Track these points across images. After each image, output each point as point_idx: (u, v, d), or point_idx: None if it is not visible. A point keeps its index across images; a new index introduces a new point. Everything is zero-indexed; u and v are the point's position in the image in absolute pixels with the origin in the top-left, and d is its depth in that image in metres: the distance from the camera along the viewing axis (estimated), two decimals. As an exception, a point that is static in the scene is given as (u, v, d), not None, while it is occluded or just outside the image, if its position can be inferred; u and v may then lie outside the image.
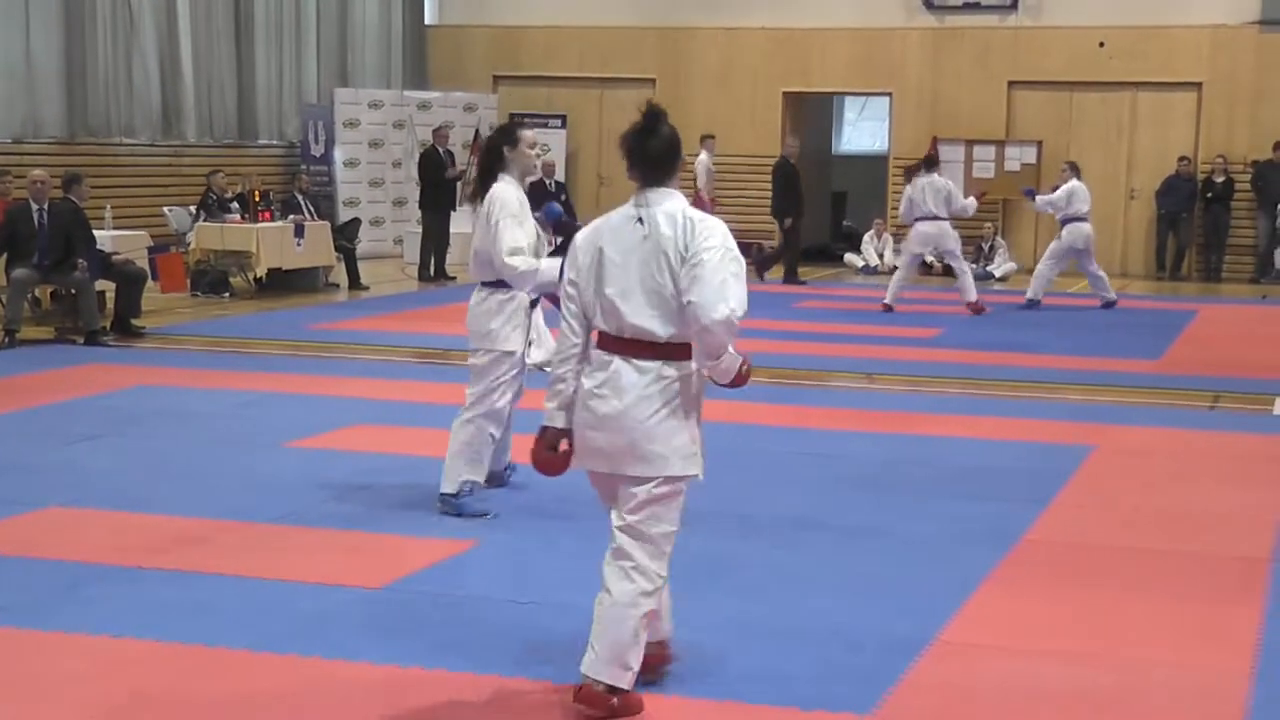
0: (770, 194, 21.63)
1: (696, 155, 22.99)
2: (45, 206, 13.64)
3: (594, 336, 5.13)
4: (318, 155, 23.20)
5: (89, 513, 7.59)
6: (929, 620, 6.08)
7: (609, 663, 5.00)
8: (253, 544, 7.08)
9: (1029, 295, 18.04)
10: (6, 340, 13.15)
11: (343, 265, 18.81)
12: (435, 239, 19.89)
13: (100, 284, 14.12)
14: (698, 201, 23.46)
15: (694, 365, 5.08)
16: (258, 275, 17.65)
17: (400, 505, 7.89)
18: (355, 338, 14.30)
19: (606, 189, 25.15)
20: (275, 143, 23.17)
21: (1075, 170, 18.35)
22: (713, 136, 22.93)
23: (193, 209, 18.63)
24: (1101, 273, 18.36)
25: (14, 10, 18.49)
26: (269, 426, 9.87)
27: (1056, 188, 18.33)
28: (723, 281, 4.88)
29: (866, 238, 23.91)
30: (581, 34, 24.93)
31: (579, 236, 5.13)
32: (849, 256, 24.21)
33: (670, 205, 5.04)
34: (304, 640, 5.69)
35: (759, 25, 24.24)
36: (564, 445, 5.17)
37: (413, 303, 17.53)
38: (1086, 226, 18.05)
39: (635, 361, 5.01)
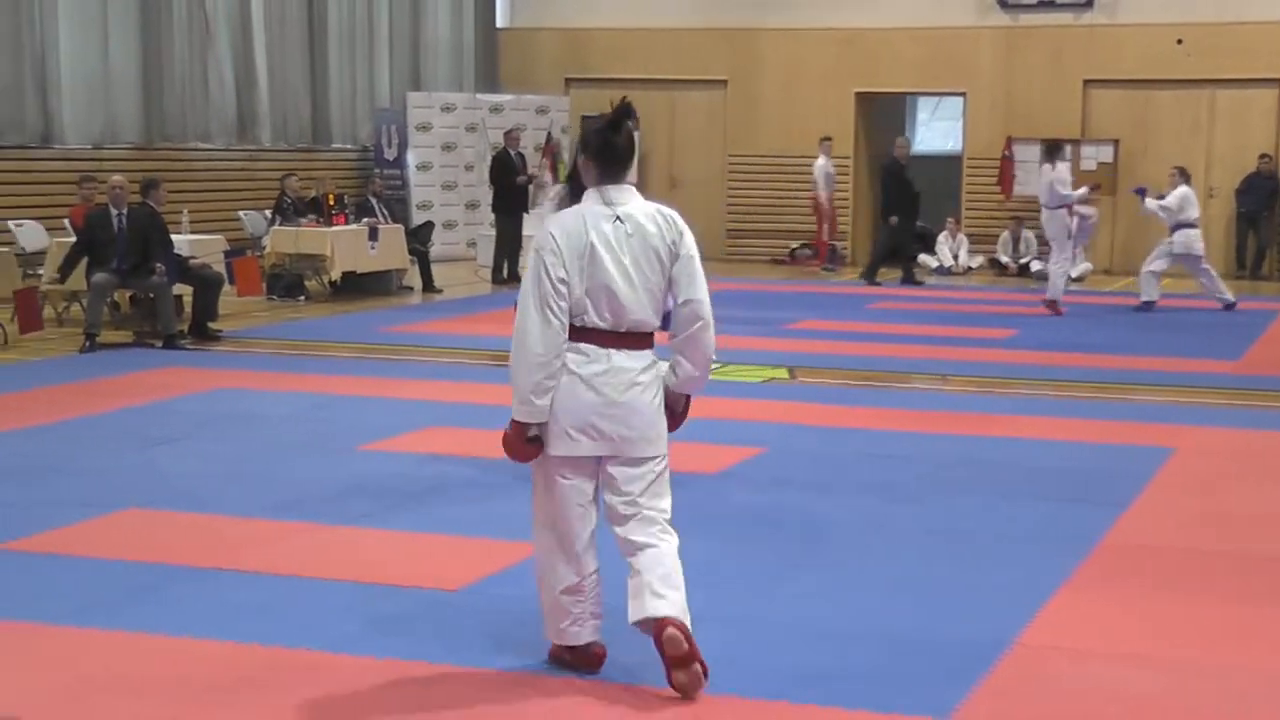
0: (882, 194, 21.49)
1: (815, 158, 22.90)
2: (124, 211, 13.75)
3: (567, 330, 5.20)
4: (391, 159, 23.31)
5: (167, 514, 7.65)
6: (1006, 623, 6.01)
7: (682, 607, 5.22)
8: (328, 546, 7.10)
9: (1143, 298, 17.77)
10: (87, 344, 13.28)
11: (416, 268, 18.90)
12: (508, 242, 19.92)
13: (177, 288, 14.23)
14: (817, 207, 23.33)
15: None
16: (332, 278, 17.76)
17: (475, 508, 7.90)
18: (429, 340, 14.35)
19: (678, 191, 25.13)
20: (349, 147, 23.31)
21: (1185, 176, 18.11)
22: (830, 139, 22.77)
23: (268, 213, 18.76)
24: (1215, 274, 18.16)
25: (93, 20, 18.70)
26: (343, 429, 9.92)
27: (1162, 195, 18.05)
28: (703, 281, 5.28)
29: (940, 238, 23.76)
30: (651, 36, 24.91)
31: (559, 236, 5.14)
32: (922, 257, 24.05)
33: (639, 203, 5.26)
34: (380, 642, 5.70)
35: (829, 25, 24.15)
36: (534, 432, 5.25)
37: (485, 305, 17.57)
38: (1196, 232, 17.83)
39: (631, 352, 5.22)
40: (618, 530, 5.33)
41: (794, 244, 24.46)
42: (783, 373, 12.77)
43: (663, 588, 5.20)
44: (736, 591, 6.45)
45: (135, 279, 13.83)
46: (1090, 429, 10.32)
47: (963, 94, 24.09)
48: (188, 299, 14.64)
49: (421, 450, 9.30)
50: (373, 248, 17.90)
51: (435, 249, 20.64)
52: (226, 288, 15.23)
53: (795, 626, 5.97)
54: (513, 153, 20.05)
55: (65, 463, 8.84)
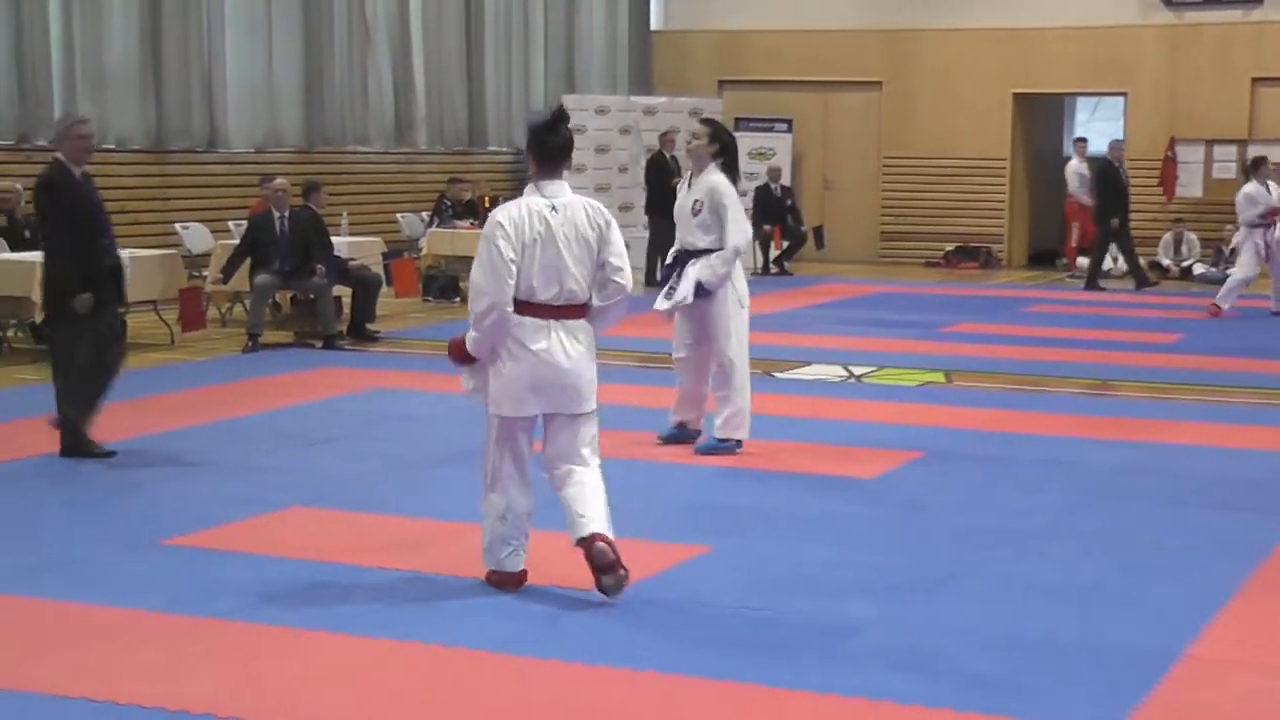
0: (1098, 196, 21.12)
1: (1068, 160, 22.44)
2: (286, 214, 13.98)
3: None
4: (545, 162, 23.42)
5: (328, 513, 7.75)
6: (1176, 634, 5.88)
7: (608, 521, 6.23)
8: (487, 546, 7.14)
9: None
10: (249, 344, 13.51)
11: (570, 270, 18.94)
12: (662, 244, 19.89)
13: (336, 289, 14.43)
14: (1070, 207, 22.83)
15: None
16: (487, 281, 17.86)
17: (630, 510, 7.87)
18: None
19: (831, 193, 25.02)
20: (504, 149, 23.49)
21: None
22: (1084, 139, 22.29)
23: (425, 215, 18.96)
24: None
25: (257, 29, 19.08)
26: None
27: None
28: (625, 258, 6.27)
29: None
30: (806, 37, 24.79)
31: (507, 224, 6.07)
32: (1081, 260, 23.67)
33: (570, 195, 6.22)
34: (539, 643, 5.72)
35: (988, 25, 23.87)
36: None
37: (637, 307, 17.51)
38: None
39: (569, 322, 6.20)
40: (554, 471, 6.34)
41: (948, 246, 24.21)
42: (939, 377, 12.63)
43: (588, 509, 6.19)
44: (898, 597, 6.38)
45: (296, 280, 14.04)
46: (1260, 436, 10.07)
47: (1123, 94, 23.67)
48: (346, 300, 14.84)
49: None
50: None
51: (589, 251, 20.69)
52: (384, 289, 15.41)
53: (960, 633, 5.89)
54: (668, 155, 20.06)
55: (229, 461, 9.00)
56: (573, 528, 6.22)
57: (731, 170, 9.11)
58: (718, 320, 9.08)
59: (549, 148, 6.22)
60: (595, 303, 6.28)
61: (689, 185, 9.16)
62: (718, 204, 8.94)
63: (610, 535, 6.18)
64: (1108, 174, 20.73)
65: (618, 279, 6.25)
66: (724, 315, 9.08)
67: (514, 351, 6.15)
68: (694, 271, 8.98)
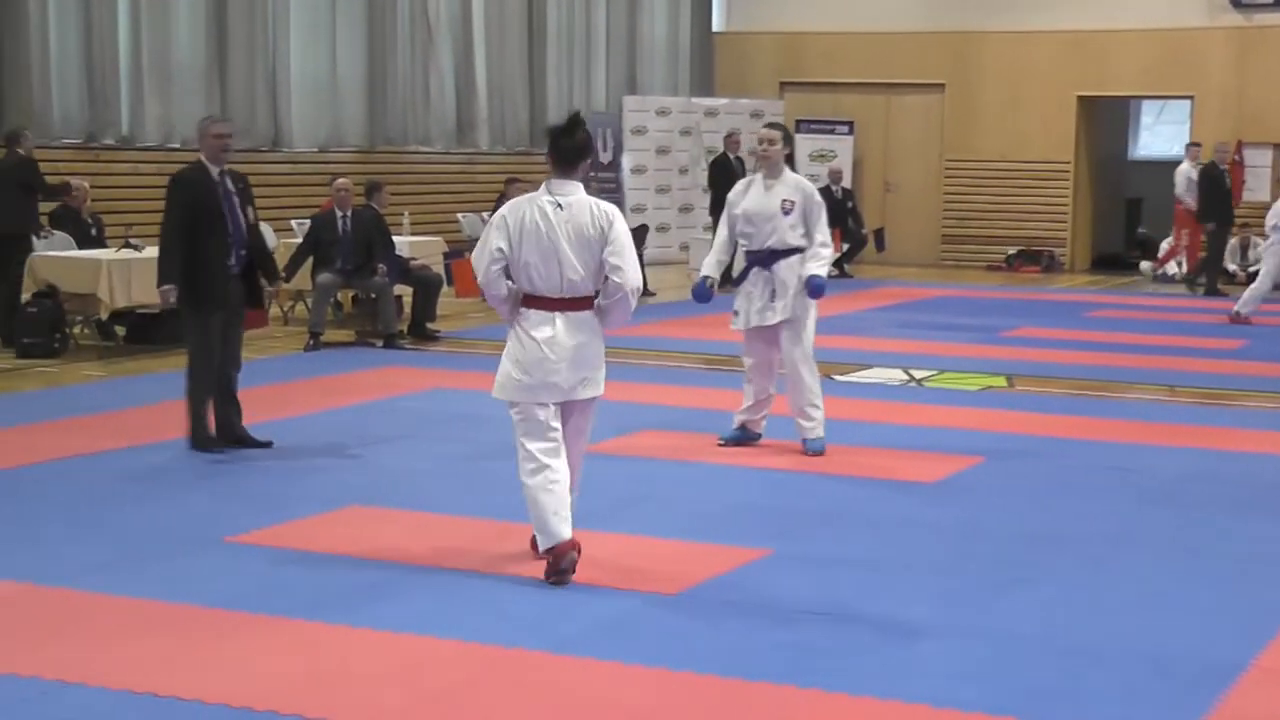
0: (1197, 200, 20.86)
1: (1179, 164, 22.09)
2: (348, 213, 14.04)
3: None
4: (606, 162, 23.44)
5: (387, 512, 7.77)
6: (1244, 644, 5.81)
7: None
8: (548, 547, 7.14)
9: None
10: (311, 343, 13.58)
11: (630, 271, 18.92)
12: (723, 246, 19.88)
13: (398, 288, 14.48)
14: (1178, 211, 22.38)
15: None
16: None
17: (692, 512, 7.90)
18: (642, 343, 14.38)
19: (893, 196, 24.92)
20: (565, 150, 23.47)
21: None
22: (1198, 144, 21.95)
23: (486, 215, 18.98)
24: None
25: (322, 30, 19.18)
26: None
27: None
28: (635, 260, 6.57)
29: (1163, 245, 23.17)
30: (868, 39, 24.71)
31: (508, 215, 6.54)
32: (1144, 265, 23.51)
33: (580, 195, 6.55)
34: (600, 644, 5.72)
35: (1053, 28, 23.71)
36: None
37: (698, 309, 17.48)
38: None
39: (571, 314, 6.56)
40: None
41: (1010, 250, 24.07)
42: (1001, 381, 12.55)
43: (567, 512, 6.52)
44: (962, 603, 6.34)
45: (358, 279, 14.09)
46: (1326, 444, 9.97)
47: (1190, 97, 23.47)
48: (407, 299, 14.88)
49: (639, 453, 9.32)
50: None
51: (649, 252, 20.70)
52: (445, 289, 15.45)
53: (1023, 640, 5.85)
54: (732, 157, 20.03)
55: (290, 459, 9.04)
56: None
57: (791, 169, 9.33)
58: (806, 325, 9.18)
59: (561, 150, 6.59)
60: (600, 301, 6.61)
61: (765, 187, 9.17)
62: (813, 204, 9.12)
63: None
64: (1212, 177, 20.49)
65: (615, 277, 6.52)
66: (809, 320, 9.18)
67: (522, 340, 6.58)
68: (801, 273, 9.05)
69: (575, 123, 6.66)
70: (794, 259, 9.10)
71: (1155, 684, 5.42)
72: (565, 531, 6.48)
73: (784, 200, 9.09)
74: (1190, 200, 21.46)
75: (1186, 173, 21.76)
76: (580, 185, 6.62)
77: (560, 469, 6.56)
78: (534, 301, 6.57)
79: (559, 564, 6.46)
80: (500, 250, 6.54)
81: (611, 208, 6.64)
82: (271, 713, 4.99)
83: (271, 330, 14.40)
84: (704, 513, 7.86)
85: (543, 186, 6.62)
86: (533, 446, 6.56)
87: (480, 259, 6.62)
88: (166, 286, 9.04)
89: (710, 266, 9.39)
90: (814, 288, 9.04)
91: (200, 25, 17.60)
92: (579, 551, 6.49)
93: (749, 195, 9.25)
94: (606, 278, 6.55)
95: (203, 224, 8.99)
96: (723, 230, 9.45)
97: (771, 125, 9.50)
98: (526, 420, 6.60)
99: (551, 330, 6.54)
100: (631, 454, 9.29)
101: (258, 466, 8.84)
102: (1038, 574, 6.83)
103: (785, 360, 9.26)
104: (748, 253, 9.25)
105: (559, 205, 6.52)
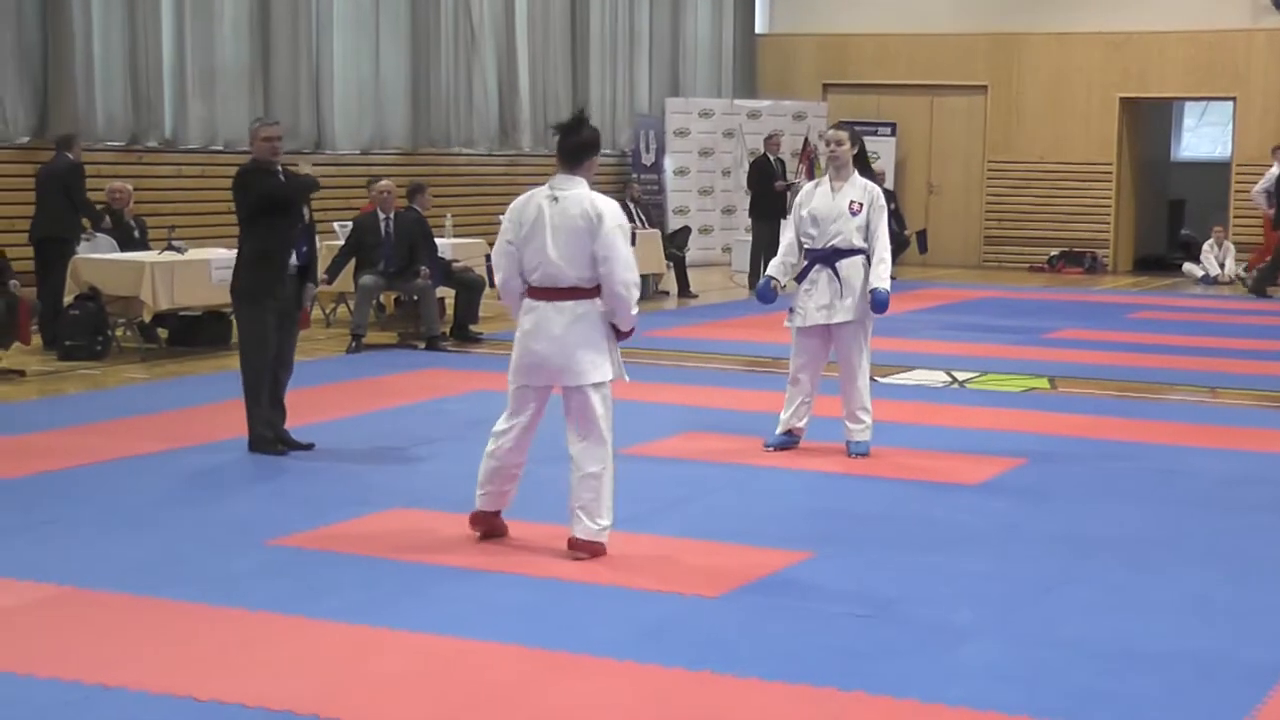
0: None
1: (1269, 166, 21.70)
2: (390, 215, 14.04)
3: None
4: (648, 164, 23.44)
5: (431, 514, 7.74)
6: (1289, 649, 5.75)
7: (595, 516, 6.94)
8: (589, 549, 7.10)
9: None
10: (353, 345, 13.58)
11: (672, 273, 18.93)
12: (765, 247, 19.80)
13: (440, 290, 14.47)
14: (1266, 217, 21.96)
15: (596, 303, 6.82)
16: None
17: (735, 514, 7.86)
18: (685, 345, 14.36)
19: (935, 197, 24.81)
20: (608, 152, 23.44)
21: None
22: None
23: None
24: None
25: (365, 32, 19.21)
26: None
27: None
28: (625, 256, 6.72)
29: (1206, 246, 23.00)
30: (911, 41, 24.61)
31: (511, 211, 6.88)
32: (1187, 266, 23.34)
33: (578, 191, 6.77)
34: (643, 647, 5.68)
35: (1093, 30, 23.57)
36: None
37: (741, 310, 17.52)
38: None
39: (558, 303, 6.78)
40: (570, 449, 6.94)
41: (1053, 251, 23.93)
42: (1043, 383, 12.46)
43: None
44: (1006, 606, 6.29)
45: (401, 281, 14.09)
46: (1373, 447, 9.85)
47: (1233, 98, 23.29)
48: (450, 301, 14.88)
49: (681, 456, 9.28)
50: (630, 252, 17.94)
51: (691, 254, 20.68)
52: (488, 291, 15.43)
53: (1066, 643, 5.79)
54: (772, 158, 19.96)
55: (332, 461, 9.03)
56: (571, 516, 6.91)
57: (865, 170, 9.27)
58: (867, 329, 9.18)
59: (564, 146, 6.86)
60: (606, 288, 6.81)
61: (833, 189, 9.10)
62: (876, 208, 9.09)
63: (585, 537, 6.83)
64: None
65: (601, 268, 6.72)
66: (870, 324, 9.19)
67: (519, 328, 6.96)
68: (867, 284, 9.01)
69: (580, 120, 6.90)
70: (858, 259, 9.04)
71: (1199, 686, 5.36)
72: (478, 503, 7.08)
73: (852, 202, 9.04)
74: (1264, 203, 21.01)
75: (1272, 176, 21.10)
76: (583, 182, 6.84)
77: (509, 445, 7.00)
78: (529, 290, 6.89)
79: (471, 524, 7.13)
80: (510, 244, 6.88)
81: (609, 205, 6.83)
82: (313, 716, 4.97)
83: (313, 332, 14.41)
84: (746, 515, 7.81)
85: (549, 183, 6.88)
86: (501, 417, 7.06)
87: (495, 255, 7.02)
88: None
89: (776, 269, 9.33)
90: (878, 301, 8.98)
91: (244, 27, 17.65)
92: (479, 531, 7.08)
93: (816, 197, 9.17)
94: (597, 269, 6.76)
95: (272, 215, 9.02)
96: (788, 232, 9.35)
97: (839, 125, 9.45)
98: (511, 400, 7.05)
99: (536, 318, 6.83)
100: (674, 456, 9.26)
101: (299, 469, 8.83)
102: (1081, 576, 6.77)
103: (842, 363, 9.19)
104: (809, 251, 9.17)
105: (555, 198, 6.77)
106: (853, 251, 9.06)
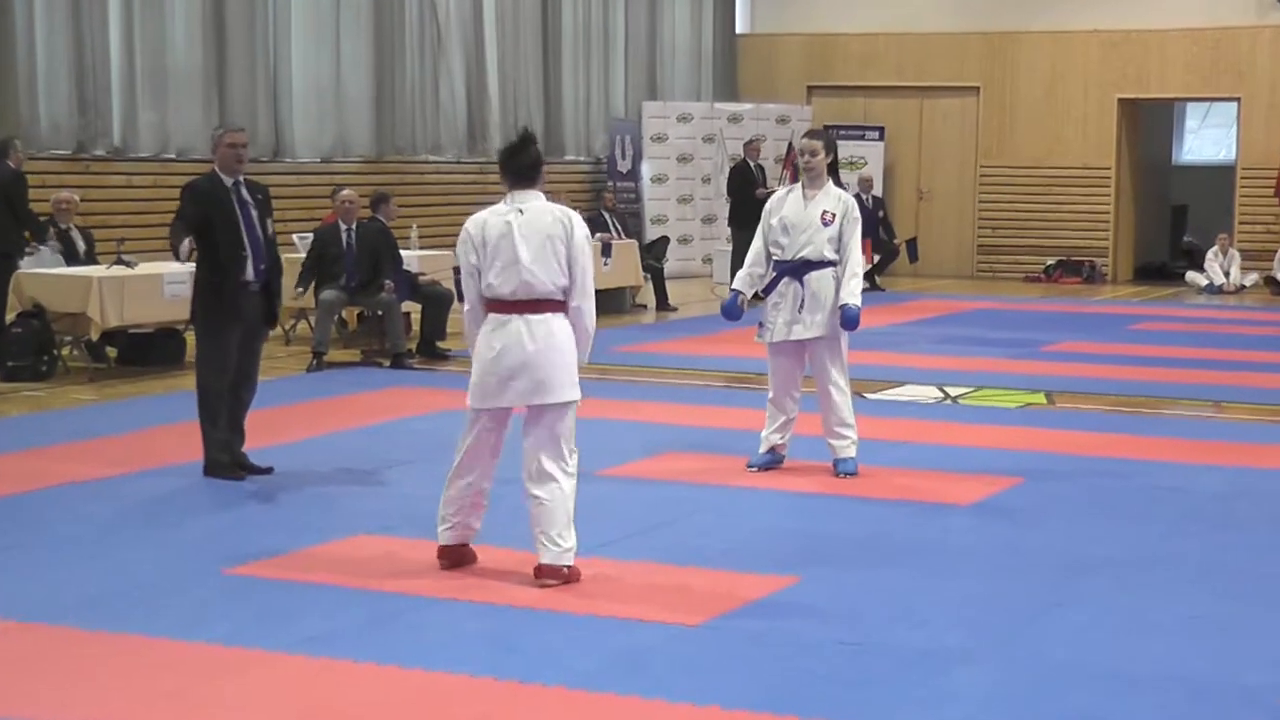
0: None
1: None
2: (353, 227, 14.02)
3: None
4: (624, 171, 23.48)
5: (398, 541, 7.74)
6: (1294, 672, 5.79)
7: (560, 541, 6.94)
8: (564, 576, 7.12)
9: None
10: (314, 363, 13.56)
11: (650, 285, 18.95)
12: (745, 257, 19.88)
13: (406, 305, 14.46)
14: None
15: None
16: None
17: (717, 538, 7.87)
18: (664, 361, 14.38)
19: (926, 204, 24.90)
20: (582, 159, 23.54)
21: None
22: None
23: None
24: None
25: (326, 33, 19.21)
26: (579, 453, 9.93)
27: None
28: (591, 268, 6.96)
29: (1210, 254, 23.13)
30: (899, 40, 24.72)
31: (471, 229, 6.93)
32: (1190, 275, 23.47)
33: (539, 202, 6.97)
34: (620, 678, 5.69)
35: (1090, 28, 23.69)
36: None
37: (722, 324, 17.47)
38: None
39: (530, 316, 6.88)
40: (527, 469, 6.99)
41: (1050, 260, 24.03)
42: (1040, 398, 12.52)
43: (547, 529, 6.89)
44: (1001, 628, 6.33)
45: (364, 296, 14.06)
46: (1385, 462, 9.91)
47: (1237, 99, 23.43)
48: (416, 317, 14.88)
49: (661, 477, 9.30)
50: (606, 264, 17.97)
51: (670, 265, 20.71)
52: (456, 305, 15.44)
53: (1061, 666, 5.84)
54: (752, 164, 20.04)
55: (292, 486, 9.02)
56: (536, 543, 6.92)
57: (835, 178, 9.35)
58: (841, 343, 9.20)
59: (516, 166, 7.03)
60: (571, 303, 6.96)
61: (805, 197, 9.15)
62: (849, 219, 9.13)
63: (555, 563, 6.85)
64: None
65: (574, 268, 6.90)
66: (844, 338, 9.21)
67: (481, 346, 6.99)
68: (838, 298, 9.04)
69: (526, 139, 7.08)
70: (826, 271, 9.07)
71: (1195, 709, 5.41)
72: (442, 538, 7.15)
73: (825, 212, 9.09)
74: None
75: None
76: (540, 194, 7.03)
77: (471, 474, 7.08)
78: (492, 305, 6.96)
79: (439, 558, 7.18)
80: (475, 265, 6.98)
81: (574, 214, 7.06)
82: (273, 752, 4.97)
83: (273, 350, 14.39)
84: (729, 538, 7.83)
85: (505, 199, 7.03)
86: (460, 444, 7.12)
87: (466, 285, 7.07)
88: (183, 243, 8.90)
89: (742, 281, 9.37)
90: (849, 318, 9.02)
91: (197, 28, 17.64)
92: (445, 563, 7.13)
93: (788, 204, 9.22)
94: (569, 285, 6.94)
95: (217, 236, 8.97)
96: (757, 242, 9.40)
97: (812, 135, 9.46)
98: (472, 426, 7.11)
99: (507, 334, 6.90)
100: (653, 477, 9.28)
101: (258, 494, 8.82)
102: (1075, 597, 6.82)
103: (818, 379, 9.24)
104: (778, 262, 9.22)
105: (520, 210, 6.92)
106: (823, 264, 9.09)
